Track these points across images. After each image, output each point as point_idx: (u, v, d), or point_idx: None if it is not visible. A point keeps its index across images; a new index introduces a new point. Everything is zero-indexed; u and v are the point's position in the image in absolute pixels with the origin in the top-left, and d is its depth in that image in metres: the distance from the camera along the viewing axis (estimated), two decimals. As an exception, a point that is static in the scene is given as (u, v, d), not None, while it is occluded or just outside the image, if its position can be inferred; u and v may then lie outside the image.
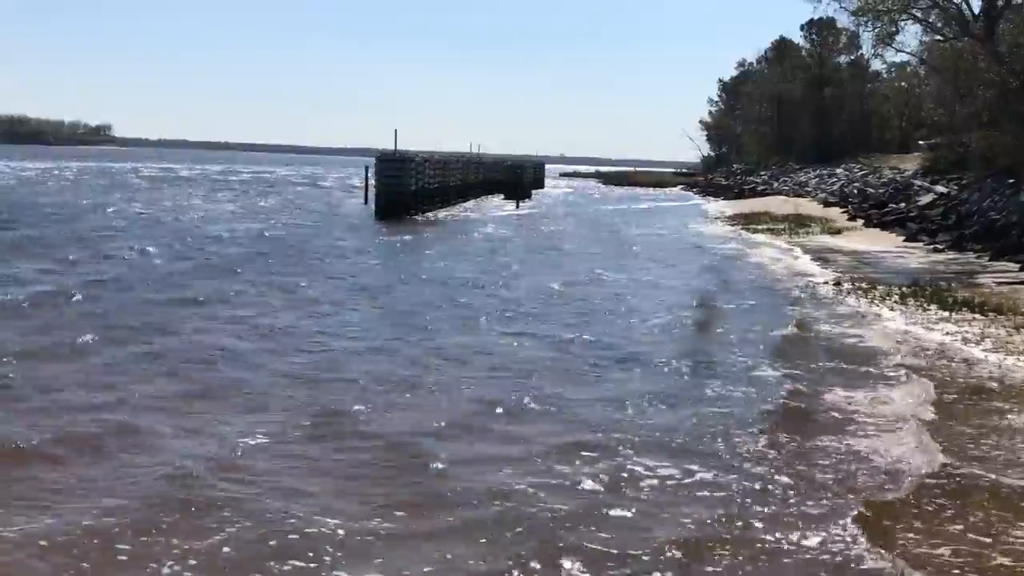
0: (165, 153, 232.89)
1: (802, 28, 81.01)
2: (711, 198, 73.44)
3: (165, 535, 5.80)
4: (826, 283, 19.35)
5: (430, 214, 42.69)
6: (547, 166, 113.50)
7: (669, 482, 7.13)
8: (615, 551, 5.74)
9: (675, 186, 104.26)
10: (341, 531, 5.95)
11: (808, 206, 45.12)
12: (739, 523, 6.30)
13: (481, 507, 6.41)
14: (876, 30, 41.40)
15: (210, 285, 16.66)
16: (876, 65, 73.30)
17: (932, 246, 26.52)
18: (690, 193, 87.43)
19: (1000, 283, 18.63)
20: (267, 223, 32.66)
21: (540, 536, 5.91)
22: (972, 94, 33.80)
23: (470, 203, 55.59)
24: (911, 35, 79.55)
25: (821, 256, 25.11)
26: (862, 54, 72.92)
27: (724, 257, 26.22)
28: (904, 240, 28.57)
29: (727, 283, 19.86)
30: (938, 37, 39.87)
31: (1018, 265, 21.05)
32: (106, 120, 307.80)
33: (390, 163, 38.43)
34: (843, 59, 79.07)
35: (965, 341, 12.88)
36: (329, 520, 6.08)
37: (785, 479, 7.25)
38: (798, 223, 36.29)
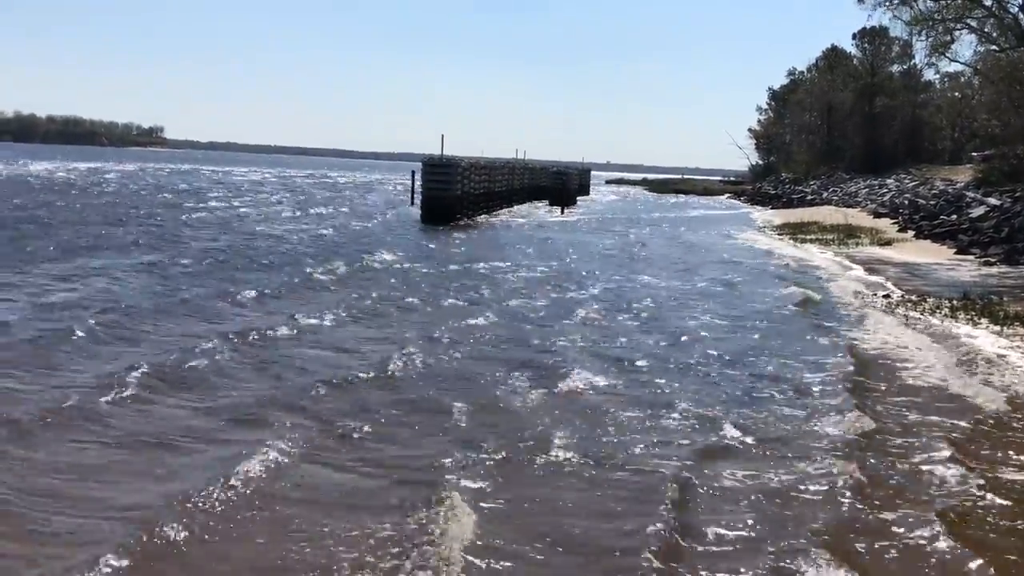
0: (218, 156, 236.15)
1: (854, 37, 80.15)
2: (759, 207, 72.82)
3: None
4: (875, 295, 19.15)
5: (476, 218, 42.89)
6: (593, 173, 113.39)
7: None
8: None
9: (722, 195, 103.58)
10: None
11: (857, 216, 44.63)
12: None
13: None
14: (930, 39, 40.89)
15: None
16: (929, 75, 72.39)
17: (984, 259, 26.11)
18: (738, 202, 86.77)
19: (1054, 298, 18.32)
20: (323, 223, 33.29)
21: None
22: (1028, 105, 33.23)
23: (515, 209, 55.66)
24: (965, 44, 78.34)
25: (871, 267, 24.85)
26: (915, 63, 72.05)
27: (770, 265, 26.06)
28: (955, 253, 28.16)
29: (774, 293, 19.72)
30: (993, 47, 39.27)
31: (1073, 280, 20.68)
32: (158, 122, 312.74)
33: (436, 168, 38.71)
34: (895, 68, 78.10)
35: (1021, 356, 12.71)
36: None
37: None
38: (847, 234, 35.93)
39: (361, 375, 10.63)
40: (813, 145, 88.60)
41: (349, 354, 11.93)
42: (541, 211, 56.70)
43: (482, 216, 45.09)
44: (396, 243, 28.35)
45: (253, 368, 10.92)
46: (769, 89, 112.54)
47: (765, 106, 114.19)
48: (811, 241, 34.75)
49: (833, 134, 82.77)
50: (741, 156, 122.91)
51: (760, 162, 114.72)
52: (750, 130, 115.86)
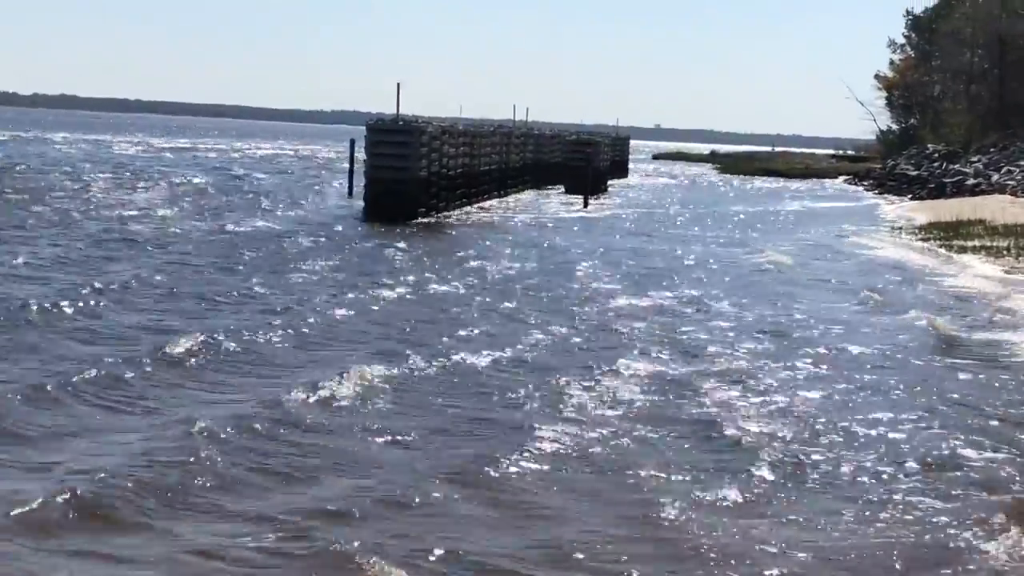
0: (53, 116, 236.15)
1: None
2: (892, 196, 72.68)
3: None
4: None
5: (451, 213, 43.19)
6: (634, 142, 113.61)
7: None
8: None
9: (836, 177, 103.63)
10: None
11: (1046, 212, 44.63)
12: None
13: None
14: None
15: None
16: None
17: None
18: (859, 188, 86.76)
19: None
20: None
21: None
22: None
23: (512, 199, 55.81)
24: None
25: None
26: None
27: (917, 291, 26.08)
28: None
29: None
30: None
31: None
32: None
33: (388, 135, 38.88)
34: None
35: None
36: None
37: None
38: (1031, 238, 35.97)
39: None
40: (977, 100, 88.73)
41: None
42: (553, 201, 56.65)
43: (460, 209, 45.38)
44: (333, 256, 28.58)
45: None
46: (908, 14, 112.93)
47: (902, 40, 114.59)
48: (973, 250, 34.71)
49: (1010, 83, 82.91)
50: (864, 117, 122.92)
51: (894, 126, 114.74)
52: (878, 77, 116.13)
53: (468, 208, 46.89)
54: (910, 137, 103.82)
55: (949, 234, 39.64)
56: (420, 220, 39.01)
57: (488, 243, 33.81)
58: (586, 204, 53.55)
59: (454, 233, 36.74)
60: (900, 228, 45.40)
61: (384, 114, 42.01)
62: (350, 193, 47.78)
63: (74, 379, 13.74)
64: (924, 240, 39.16)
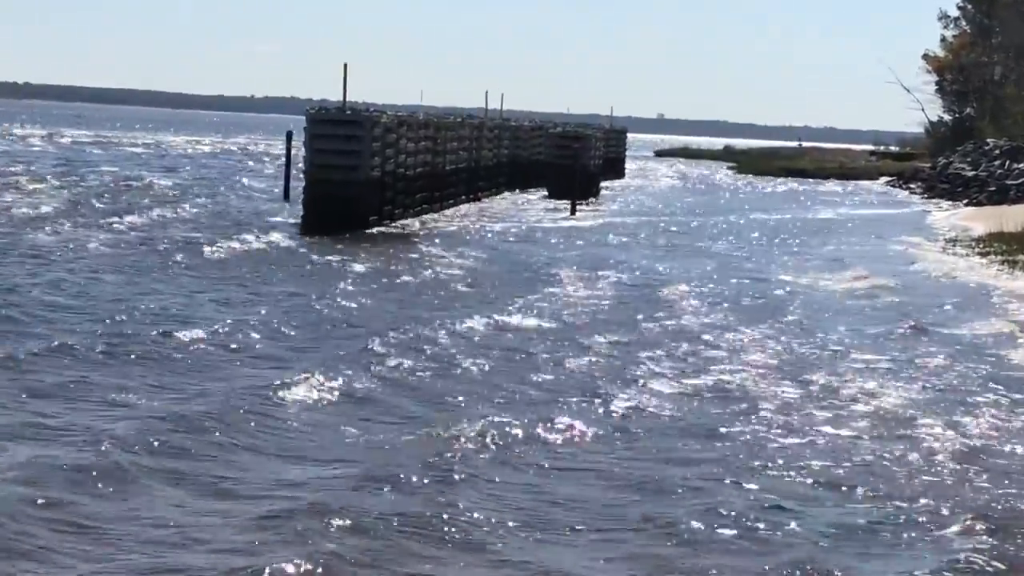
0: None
1: None
2: (943, 201, 72.75)
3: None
4: None
5: (408, 221, 43.26)
6: (631, 136, 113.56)
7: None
8: None
9: (876, 177, 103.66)
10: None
11: None
12: None
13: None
14: None
15: None
16: None
17: None
18: (903, 192, 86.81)
19: None
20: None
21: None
22: None
23: (486, 204, 56.05)
24: None
25: None
26: None
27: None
28: None
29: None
30: None
31: None
32: None
33: (333, 126, 38.95)
34: None
35: None
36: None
37: None
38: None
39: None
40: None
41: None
42: (535, 208, 56.88)
43: (421, 217, 45.37)
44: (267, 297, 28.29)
45: None
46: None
47: (955, 12, 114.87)
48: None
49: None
50: (910, 106, 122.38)
51: (946, 117, 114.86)
52: (927, 58, 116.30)
53: (431, 215, 46.89)
54: (966, 130, 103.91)
55: (1013, 247, 39.45)
56: (372, 230, 38.89)
57: (481, 262, 33.65)
58: (574, 211, 53.25)
59: (423, 247, 36.28)
60: (954, 240, 45.38)
61: (328, 101, 42.04)
62: (286, 196, 47.74)
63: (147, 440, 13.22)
64: (983, 255, 39.09)
